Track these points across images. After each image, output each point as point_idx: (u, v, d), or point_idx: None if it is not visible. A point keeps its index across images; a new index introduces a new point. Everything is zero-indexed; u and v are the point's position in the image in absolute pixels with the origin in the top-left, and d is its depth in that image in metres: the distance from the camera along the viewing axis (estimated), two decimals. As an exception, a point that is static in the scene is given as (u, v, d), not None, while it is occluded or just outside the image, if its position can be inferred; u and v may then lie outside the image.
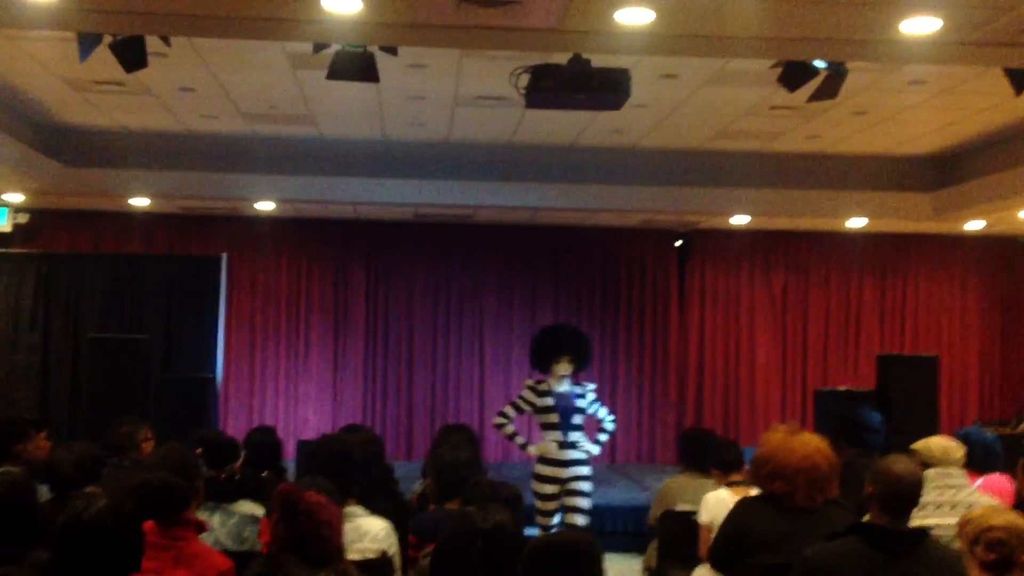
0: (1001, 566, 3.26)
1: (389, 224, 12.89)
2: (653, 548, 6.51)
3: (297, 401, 12.92)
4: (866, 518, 3.97)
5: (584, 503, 7.95)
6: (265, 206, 11.79)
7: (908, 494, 3.86)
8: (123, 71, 6.45)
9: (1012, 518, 3.32)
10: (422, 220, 12.62)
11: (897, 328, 13.43)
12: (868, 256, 13.28)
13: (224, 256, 11.87)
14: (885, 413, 6.85)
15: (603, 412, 8.25)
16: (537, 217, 12.41)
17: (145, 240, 12.60)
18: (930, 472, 4.62)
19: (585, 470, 7.99)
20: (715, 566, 4.78)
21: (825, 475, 4.47)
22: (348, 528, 4.30)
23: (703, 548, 5.34)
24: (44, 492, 4.58)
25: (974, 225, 11.88)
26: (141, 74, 6.96)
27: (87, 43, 6.13)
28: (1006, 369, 13.51)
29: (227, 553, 4.08)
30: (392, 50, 6.45)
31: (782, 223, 12.50)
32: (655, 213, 11.71)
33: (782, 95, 7.09)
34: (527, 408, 8.15)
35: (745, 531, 4.52)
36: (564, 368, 8.06)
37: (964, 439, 5.18)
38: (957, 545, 3.96)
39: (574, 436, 7.98)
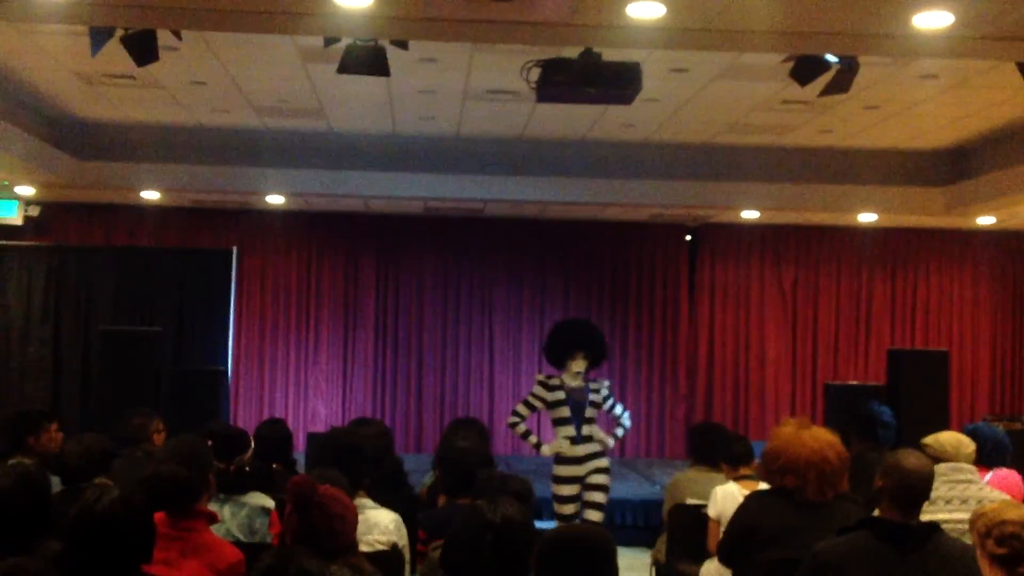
0: (1013, 560, 3.25)
1: (399, 218, 12.91)
2: (662, 542, 6.52)
3: (307, 394, 12.95)
4: (876, 513, 3.97)
5: (601, 497, 7.83)
6: (275, 199, 11.81)
7: (919, 489, 3.85)
8: (134, 65, 6.47)
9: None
10: (432, 214, 12.63)
11: (908, 323, 13.39)
12: (879, 251, 13.24)
13: (234, 249, 11.90)
14: (895, 408, 6.85)
15: (619, 409, 8.14)
16: (547, 211, 12.40)
17: (156, 233, 12.63)
18: (941, 467, 4.61)
19: (603, 462, 7.88)
20: (724, 560, 4.78)
21: (835, 469, 4.47)
22: (358, 520, 4.30)
23: (711, 542, 5.34)
24: (55, 483, 4.60)
25: (986, 220, 11.84)
26: (152, 68, 6.98)
27: (99, 37, 6.15)
28: (1017, 364, 13.46)
29: (238, 544, 4.09)
30: (403, 44, 6.45)
31: (793, 217, 12.47)
32: (665, 207, 11.70)
33: (794, 89, 7.07)
34: (539, 404, 8.04)
35: (755, 525, 4.51)
36: (578, 365, 7.95)
37: (973, 434, 5.17)
38: (968, 540, 3.96)
39: (587, 429, 7.87)
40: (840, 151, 10.82)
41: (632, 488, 10.18)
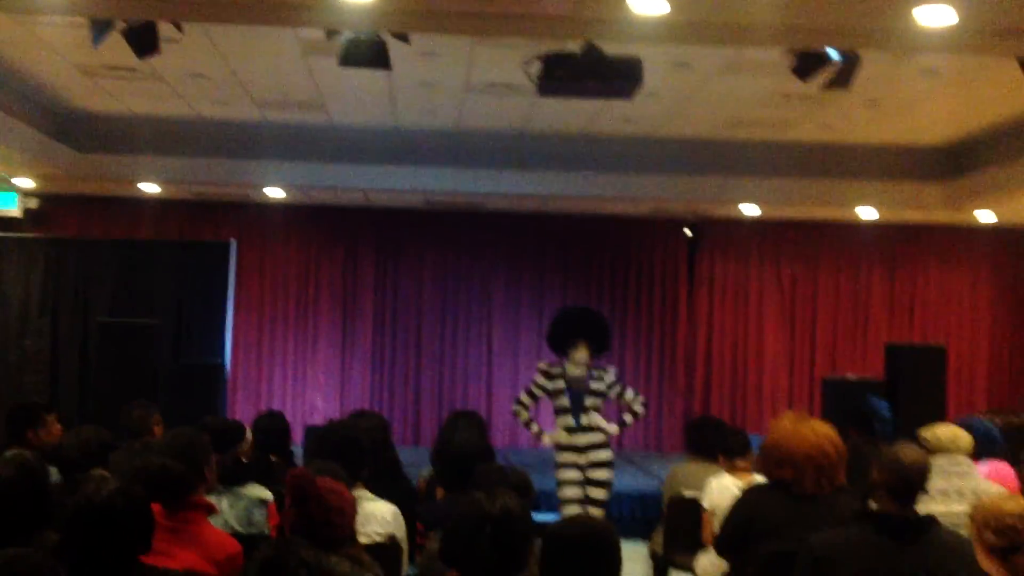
0: (1009, 551, 3.27)
1: (399, 211, 12.91)
2: (659, 533, 6.54)
3: (305, 387, 12.96)
4: (872, 505, 3.98)
5: (602, 494, 7.76)
6: (275, 192, 11.81)
7: (915, 481, 3.87)
8: (135, 57, 6.47)
9: (1023, 505, 3.34)
10: (432, 207, 12.63)
11: (906, 318, 13.41)
12: (878, 246, 13.25)
13: (233, 242, 11.90)
14: (893, 402, 6.88)
15: (630, 393, 8.04)
16: (547, 205, 12.40)
17: (155, 226, 12.63)
18: (937, 459, 4.63)
19: (604, 454, 7.79)
20: (721, 552, 4.79)
21: (833, 462, 4.48)
22: (357, 513, 4.31)
23: (706, 533, 5.36)
24: (53, 475, 4.61)
25: (985, 216, 11.85)
26: (153, 60, 6.98)
27: (99, 29, 6.15)
28: (1015, 359, 13.47)
29: (236, 536, 4.10)
30: (404, 37, 6.45)
31: (792, 213, 12.48)
32: (665, 202, 11.71)
33: (795, 84, 7.07)
34: (539, 392, 7.99)
35: (752, 518, 4.53)
36: (581, 353, 7.86)
37: (965, 427, 5.18)
38: (965, 532, 3.97)
39: (587, 419, 7.79)
40: (840, 146, 10.82)
41: (630, 481, 10.20)
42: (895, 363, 9.04)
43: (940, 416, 7.65)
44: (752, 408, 13.14)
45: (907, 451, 3.92)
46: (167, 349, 10.40)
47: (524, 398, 8.07)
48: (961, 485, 4.70)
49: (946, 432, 4.94)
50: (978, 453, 5.40)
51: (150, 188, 11.65)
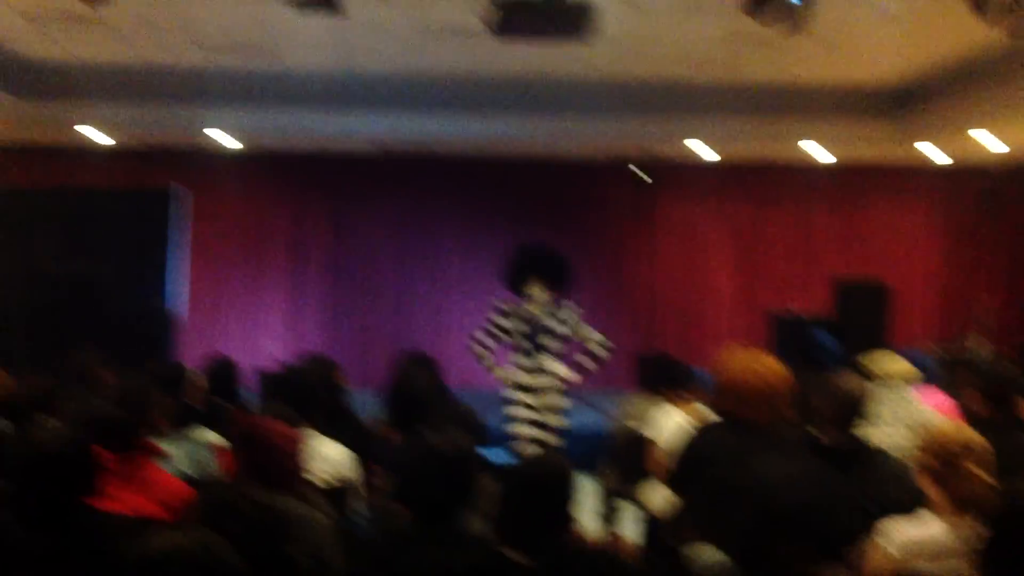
0: (946, 472, 3.38)
1: (351, 157, 12.83)
2: (609, 468, 6.62)
3: (257, 333, 12.93)
4: (817, 435, 4.06)
5: (552, 440, 7.53)
6: (226, 140, 11.69)
7: (855, 409, 3.96)
8: (80, 3, 6.34)
9: (962, 430, 3.45)
10: (384, 152, 12.55)
11: (853, 254, 13.54)
12: (827, 185, 13.34)
13: (179, 188, 11.75)
14: (839, 335, 6.98)
15: (595, 337, 7.75)
16: (501, 149, 12.37)
17: (103, 176, 12.46)
18: (878, 389, 4.72)
19: (558, 400, 7.61)
20: (671, 484, 4.87)
21: (780, 395, 4.54)
22: (307, 454, 4.34)
23: (653, 465, 5.43)
24: (5, 425, 4.60)
25: (931, 153, 11.95)
26: (100, 6, 6.84)
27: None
28: (958, 293, 13.67)
29: (187, 481, 4.11)
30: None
31: (744, 153, 12.53)
32: (618, 144, 11.71)
33: (746, 24, 7.05)
34: (496, 331, 7.74)
35: (701, 449, 4.59)
36: (535, 291, 7.62)
37: (906, 358, 5.28)
38: (905, 457, 4.07)
39: (541, 360, 7.58)
40: (791, 86, 10.83)
41: (580, 416, 10.24)
42: (841, 297, 9.16)
43: (885, 349, 7.77)
44: (701, 344, 13.23)
45: (847, 380, 4.01)
46: (113, 296, 10.29)
47: (483, 338, 7.82)
48: (901, 413, 4.80)
49: (887, 362, 5.03)
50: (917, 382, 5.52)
51: (97, 137, 11.48)
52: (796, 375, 4.77)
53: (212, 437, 4.71)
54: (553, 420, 7.58)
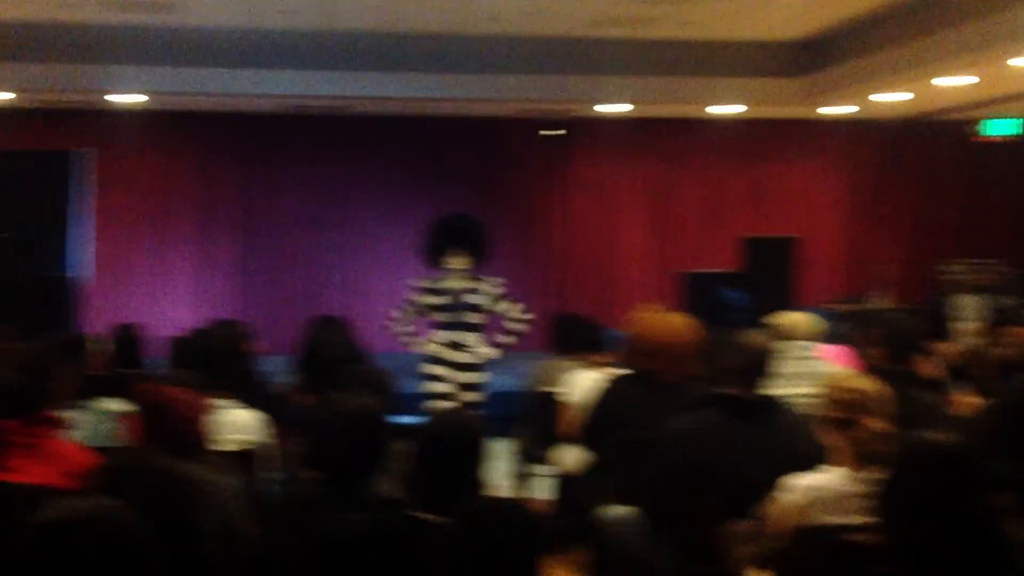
0: (846, 423, 3.46)
1: (260, 116, 12.62)
2: (524, 430, 6.66)
3: (167, 298, 12.70)
4: (724, 390, 4.13)
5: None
6: (131, 99, 11.41)
7: (761, 365, 4.04)
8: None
9: (864, 382, 3.54)
10: (295, 112, 12.38)
11: (762, 211, 13.74)
12: (736, 142, 13.49)
13: (81, 150, 11.49)
14: (748, 292, 7.09)
15: (515, 310, 7.50)
16: (413, 108, 12.28)
17: (6, 137, 12.09)
18: (786, 345, 4.82)
19: (475, 377, 7.34)
20: (584, 443, 4.93)
21: (690, 352, 4.64)
22: (218, 421, 4.30)
23: (568, 427, 5.49)
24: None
25: (837, 110, 12.15)
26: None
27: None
28: (864, 249, 13.97)
29: (92, 450, 4.04)
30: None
31: (655, 110, 12.60)
32: (531, 102, 11.69)
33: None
34: (415, 309, 7.46)
35: (613, 408, 4.67)
36: (457, 262, 7.32)
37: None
38: (811, 412, 4.17)
39: (466, 337, 7.31)
40: (700, 43, 10.91)
41: (495, 379, 10.28)
42: (750, 255, 9.30)
43: (792, 305, 7.94)
44: (615, 304, 13.33)
45: (754, 337, 4.08)
46: (14, 262, 10.02)
47: (398, 313, 7.57)
48: (805, 369, 4.91)
49: (792, 319, 5.15)
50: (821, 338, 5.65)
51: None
52: (705, 332, 4.86)
53: (117, 406, 4.63)
54: (471, 397, 7.33)
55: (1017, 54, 8.57)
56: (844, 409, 3.45)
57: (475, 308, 7.34)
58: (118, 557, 2.13)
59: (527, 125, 13.19)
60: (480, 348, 7.34)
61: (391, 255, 13.03)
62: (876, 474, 2.94)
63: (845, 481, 3.43)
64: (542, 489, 6.37)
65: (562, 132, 13.27)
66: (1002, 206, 14.04)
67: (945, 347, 5.69)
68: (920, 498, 2.64)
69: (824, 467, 3.51)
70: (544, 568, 2.33)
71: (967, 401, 5.05)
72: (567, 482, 5.39)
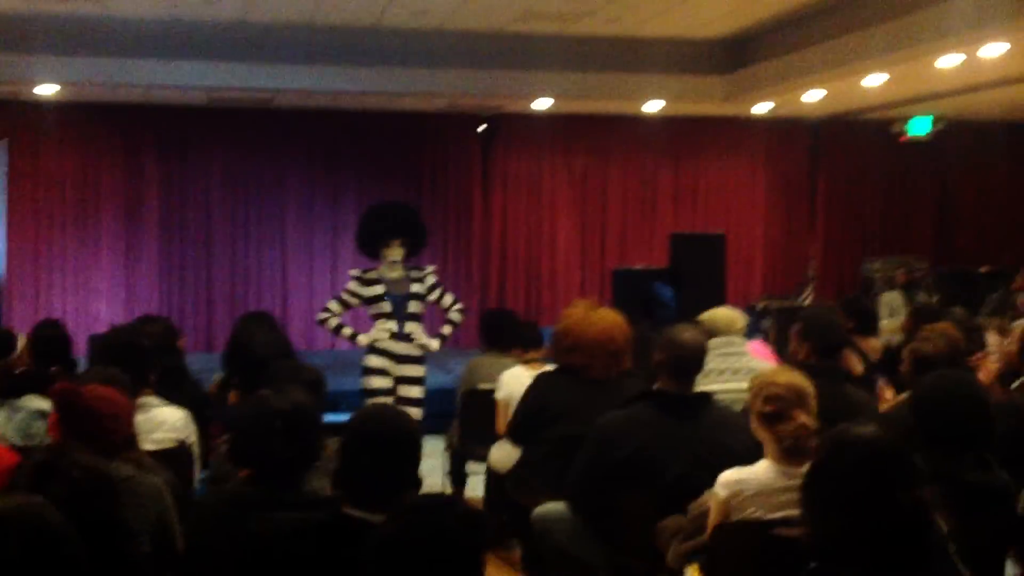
0: (776, 418, 3.49)
1: (183, 109, 12.40)
2: (455, 427, 6.66)
3: (88, 295, 12.45)
4: (656, 386, 4.16)
5: (415, 412, 6.81)
6: (48, 89, 11.13)
7: (693, 361, 4.08)
8: None
9: (792, 377, 3.57)
10: (218, 105, 12.19)
11: (690, 208, 13.92)
12: (664, 139, 13.62)
13: (2, 144, 11.21)
14: (676, 288, 7.16)
15: (449, 300, 7.35)
16: (338, 101, 12.17)
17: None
18: (714, 341, 4.87)
19: (418, 370, 7.17)
20: (515, 439, 4.94)
21: (620, 348, 4.67)
22: (143, 419, 4.23)
23: (500, 424, 5.49)
24: None
25: (762, 108, 12.31)
26: None
27: None
28: (788, 246, 14.22)
29: (15, 449, 3.95)
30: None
31: (583, 107, 12.65)
32: (458, 97, 11.66)
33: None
34: (354, 301, 7.22)
35: (544, 403, 4.68)
36: (395, 252, 7.11)
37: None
38: (738, 407, 4.22)
39: (410, 327, 7.12)
40: (628, 40, 10.97)
41: (429, 377, 10.26)
42: (678, 251, 9.40)
43: (720, 300, 8.02)
44: (546, 300, 13.44)
45: (686, 334, 4.12)
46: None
47: (333, 306, 7.31)
48: (735, 364, 4.97)
49: (723, 315, 5.20)
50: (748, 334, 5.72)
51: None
52: (636, 328, 4.89)
53: (40, 404, 4.53)
54: (413, 392, 7.14)
55: (937, 53, 8.77)
56: (774, 404, 3.48)
57: (417, 297, 7.20)
58: (41, 554, 2.09)
59: (455, 120, 13.16)
60: (423, 339, 7.19)
61: (319, 249, 12.93)
62: (805, 468, 2.97)
63: (774, 475, 3.47)
64: (474, 486, 6.38)
65: (483, 128, 13.26)
66: (922, 204, 14.38)
67: (868, 343, 5.80)
68: (847, 492, 2.67)
69: (757, 463, 3.54)
70: (484, 564, 2.32)
71: (888, 396, 5.15)
72: (497, 479, 5.39)
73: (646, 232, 13.73)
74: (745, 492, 3.44)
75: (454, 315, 7.36)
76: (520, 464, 4.85)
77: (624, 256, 13.37)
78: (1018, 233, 14.12)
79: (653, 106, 12.18)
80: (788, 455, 3.45)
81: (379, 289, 7.16)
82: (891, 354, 5.53)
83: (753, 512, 3.43)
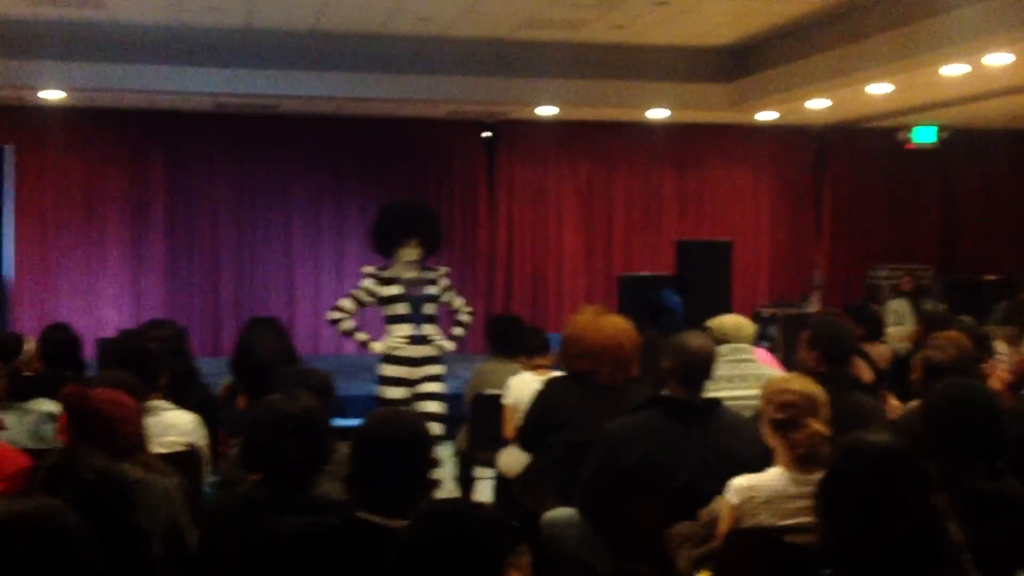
0: (789, 425, 3.49)
1: (188, 115, 12.44)
2: (463, 432, 6.65)
3: (95, 299, 12.48)
4: (665, 392, 4.16)
5: (436, 407, 6.74)
6: (54, 95, 11.17)
7: (702, 368, 4.07)
8: None
9: (805, 385, 3.56)
10: (223, 111, 12.22)
11: (694, 216, 13.93)
12: (668, 146, 13.65)
13: (10, 149, 11.23)
14: (683, 295, 7.15)
15: (459, 301, 7.16)
16: (343, 108, 12.20)
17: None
18: (723, 348, 4.86)
19: (438, 369, 6.88)
20: (523, 445, 4.93)
21: (628, 354, 4.66)
22: (153, 422, 4.22)
23: (508, 429, 5.49)
24: None
25: (766, 115, 12.33)
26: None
27: None
28: (794, 254, 14.22)
29: (25, 452, 3.95)
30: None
31: (587, 114, 12.67)
32: (463, 104, 11.69)
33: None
34: (369, 300, 6.90)
35: (552, 409, 4.67)
36: (411, 253, 6.83)
37: None
38: (747, 414, 4.22)
39: (427, 329, 6.85)
40: (632, 47, 10.99)
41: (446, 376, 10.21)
42: (684, 258, 9.40)
43: (726, 307, 8.03)
44: (551, 307, 13.46)
45: (695, 340, 4.11)
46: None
47: (345, 304, 6.96)
48: (744, 371, 4.96)
49: (731, 322, 5.19)
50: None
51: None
52: (643, 335, 4.89)
53: (51, 407, 4.53)
54: (434, 387, 6.87)
55: (941, 63, 8.78)
56: (787, 411, 3.48)
57: (432, 299, 6.95)
58: (59, 557, 2.08)
59: (460, 127, 13.18)
60: (440, 339, 6.95)
61: (324, 254, 12.95)
62: (817, 475, 2.97)
63: (786, 482, 3.46)
64: (482, 491, 6.37)
65: (488, 135, 13.27)
66: (927, 212, 14.38)
67: (876, 350, 5.80)
68: (860, 499, 2.67)
69: (768, 470, 3.53)
70: (507, 569, 2.31)
71: (897, 404, 5.15)
72: (506, 485, 5.38)
73: (651, 239, 13.74)
74: (757, 499, 3.44)
75: (464, 316, 7.17)
76: (528, 470, 4.84)
77: (629, 263, 13.38)
78: (1023, 241, 14.14)
79: (657, 114, 12.20)
80: (801, 462, 3.44)
81: (396, 289, 6.87)
82: (900, 362, 5.52)
83: (764, 519, 3.42)
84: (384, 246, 6.98)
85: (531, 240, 13.60)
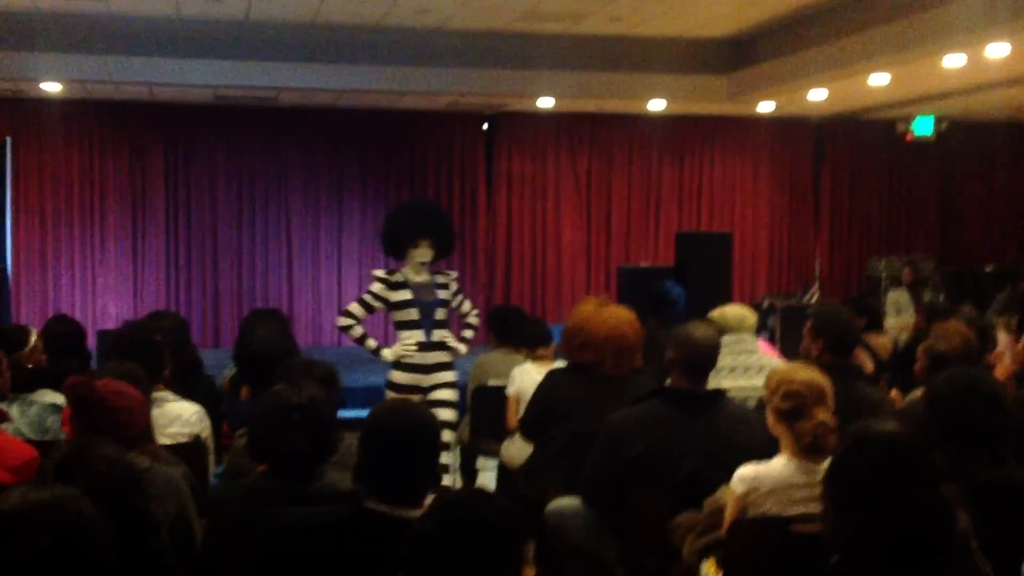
0: (794, 415, 3.49)
1: (187, 107, 12.42)
2: (466, 422, 6.67)
3: (95, 291, 12.47)
4: (668, 383, 4.17)
5: (449, 415, 6.39)
6: (53, 87, 11.15)
7: (706, 358, 4.08)
8: None
9: (811, 374, 3.57)
10: (223, 103, 12.20)
11: (695, 207, 13.94)
12: (668, 138, 13.65)
13: (9, 141, 11.21)
14: (683, 286, 7.15)
15: (467, 305, 6.89)
16: (342, 100, 12.19)
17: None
18: (725, 338, 4.87)
19: (451, 375, 6.57)
20: (526, 435, 4.95)
21: (631, 345, 4.67)
22: (158, 413, 4.24)
23: (511, 419, 5.50)
24: None
25: (766, 107, 12.32)
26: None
27: None
28: (793, 245, 14.24)
29: (30, 443, 3.95)
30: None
31: (586, 106, 12.66)
32: (462, 96, 11.67)
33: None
34: (379, 305, 6.62)
35: (555, 400, 4.68)
36: (423, 254, 6.54)
37: None
38: (751, 404, 4.23)
39: (439, 334, 6.58)
40: (631, 39, 10.98)
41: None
42: (684, 250, 9.41)
43: (727, 298, 8.02)
44: (552, 298, 13.48)
45: (698, 330, 4.12)
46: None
47: (355, 309, 6.64)
48: (747, 361, 4.97)
49: (733, 312, 5.21)
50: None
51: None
52: (646, 326, 4.90)
53: (55, 398, 4.54)
54: (447, 395, 6.52)
55: (940, 54, 8.78)
56: (793, 400, 3.48)
57: (444, 304, 6.69)
58: (75, 545, 2.09)
59: (459, 119, 13.17)
60: (453, 343, 6.69)
61: (323, 246, 12.94)
62: (824, 465, 2.98)
63: (791, 471, 3.47)
64: (484, 481, 6.39)
65: (486, 126, 13.26)
66: (926, 203, 14.40)
67: (876, 341, 5.81)
68: (867, 488, 2.67)
69: (773, 460, 3.54)
70: (524, 558, 2.32)
71: (897, 394, 5.16)
72: (510, 475, 5.40)
73: (651, 231, 13.76)
74: (762, 488, 3.45)
75: (473, 319, 6.90)
76: (532, 460, 4.86)
77: (629, 255, 13.40)
78: (1022, 232, 14.16)
79: (656, 105, 12.19)
80: (807, 452, 3.45)
81: (406, 294, 6.58)
82: (900, 353, 5.54)
83: (770, 508, 3.43)
84: (395, 246, 6.71)
85: (530, 232, 13.59)
